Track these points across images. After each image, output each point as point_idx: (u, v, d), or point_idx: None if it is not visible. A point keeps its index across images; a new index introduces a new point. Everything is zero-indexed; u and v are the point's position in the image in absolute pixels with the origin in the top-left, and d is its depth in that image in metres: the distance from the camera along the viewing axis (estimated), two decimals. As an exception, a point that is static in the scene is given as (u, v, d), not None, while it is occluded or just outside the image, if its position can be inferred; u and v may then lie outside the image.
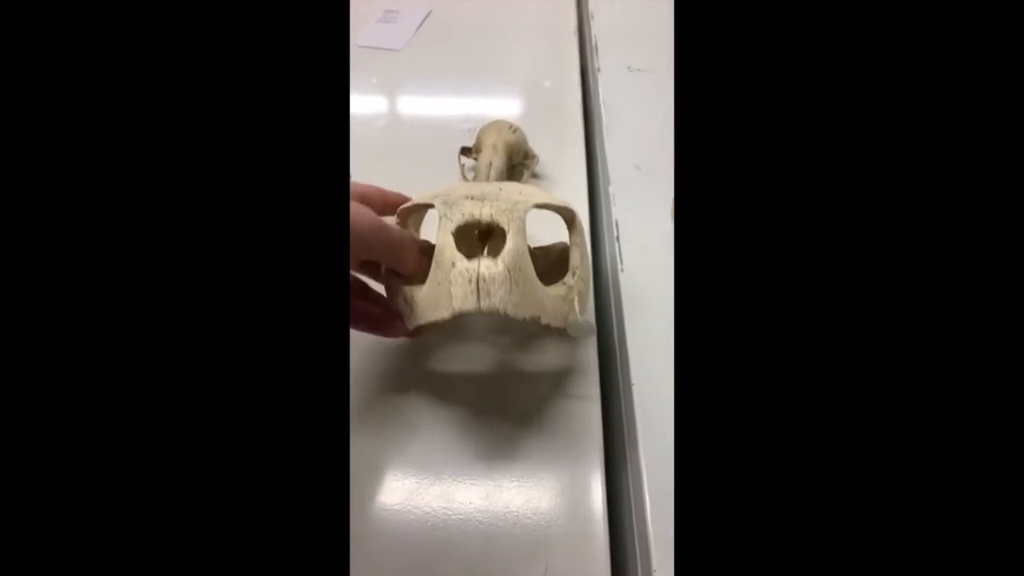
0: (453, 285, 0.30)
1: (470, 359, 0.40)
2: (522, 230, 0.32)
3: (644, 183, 0.48)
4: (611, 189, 0.48)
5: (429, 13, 0.69)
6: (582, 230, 0.37)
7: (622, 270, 0.42)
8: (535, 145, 0.52)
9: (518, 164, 0.51)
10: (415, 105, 0.61)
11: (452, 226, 0.32)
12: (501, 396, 0.38)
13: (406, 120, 0.59)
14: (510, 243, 0.31)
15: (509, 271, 0.30)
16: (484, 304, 0.30)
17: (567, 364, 0.40)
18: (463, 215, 0.32)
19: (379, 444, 0.36)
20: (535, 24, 0.68)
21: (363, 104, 0.60)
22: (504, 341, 0.41)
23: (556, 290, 0.33)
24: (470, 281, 0.30)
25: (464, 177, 0.51)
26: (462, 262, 0.31)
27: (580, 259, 0.35)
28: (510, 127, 0.51)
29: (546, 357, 0.40)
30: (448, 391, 0.38)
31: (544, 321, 0.32)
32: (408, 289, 0.34)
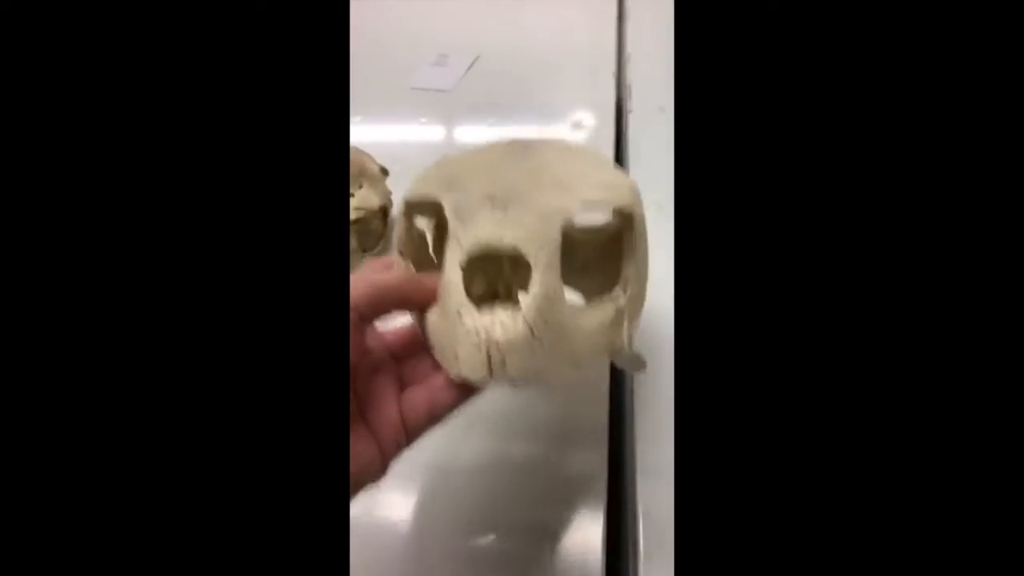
0: (460, 346, 0.24)
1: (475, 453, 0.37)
2: (554, 263, 0.24)
3: (664, 222, 0.51)
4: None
5: (477, 57, 0.74)
6: (642, 233, 0.28)
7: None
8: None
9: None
10: (462, 141, 0.66)
11: (462, 257, 0.24)
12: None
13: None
14: (536, 288, 0.23)
15: (533, 331, 0.23)
16: (498, 377, 0.23)
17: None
18: (477, 242, 0.24)
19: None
20: (576, 66, 0.72)
21: (413, 140, 0.66)
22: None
23: (599, 316, 0.26)
24: (479, 348, 0.23)
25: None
26: (471, 317, 0.23)
27: (634, 272, 0.28)
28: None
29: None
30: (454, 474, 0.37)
31: (579, 369, 0.25)
32: (421, 316, 0.27)
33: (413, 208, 0.29)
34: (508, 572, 0.33)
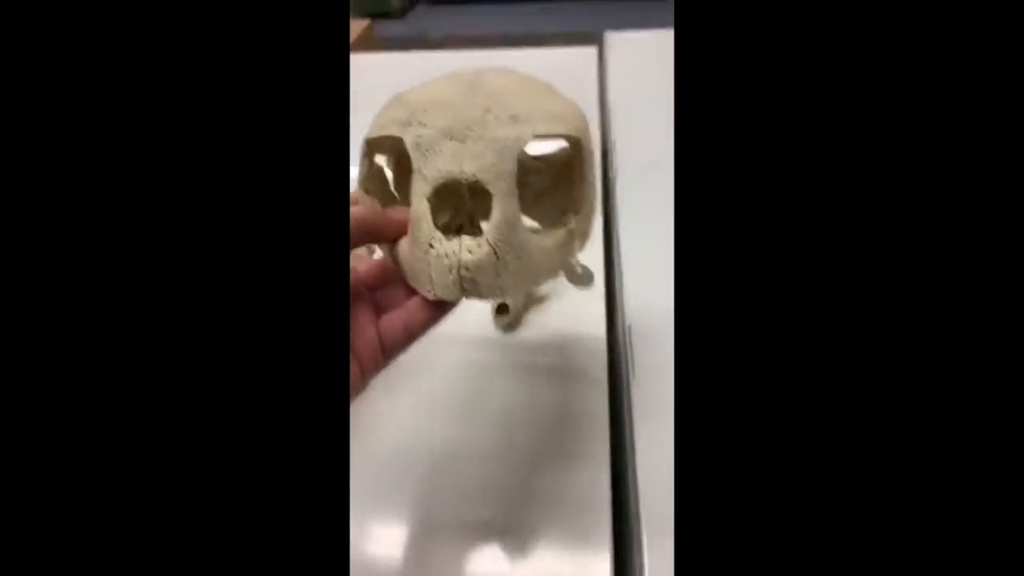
0: (432, 270, 0.26)
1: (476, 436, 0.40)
2: (511, 191, 0.26)
3: (651, 275, 0.48)
4: (625, 294, 0.47)
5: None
6: (589, 157, 0.30)
7: (634, 376, 0.41)
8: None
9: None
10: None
11: (428, 190, 0.26)
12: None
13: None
14: (496, 214, 0.26)
15: (496, 253, 0.26)
16: (470, 295, 0.26)
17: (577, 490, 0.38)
18: (439, 173, 0.26)
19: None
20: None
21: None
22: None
23: (554, 237, 0.29)
24: (450, 270, 0.26)
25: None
26: (440, 244, 0.26)
27: (584, 194, 0.30)
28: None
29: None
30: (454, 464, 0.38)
31: (538, 286, 0.30)
32: (391, 247, 0.29)
33: (373, 146, 0.31)
34: (512, 545, 0.34)
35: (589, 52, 0.72)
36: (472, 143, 0.26)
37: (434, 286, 0.26)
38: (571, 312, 0.47)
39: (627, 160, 0.61)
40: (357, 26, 1.75)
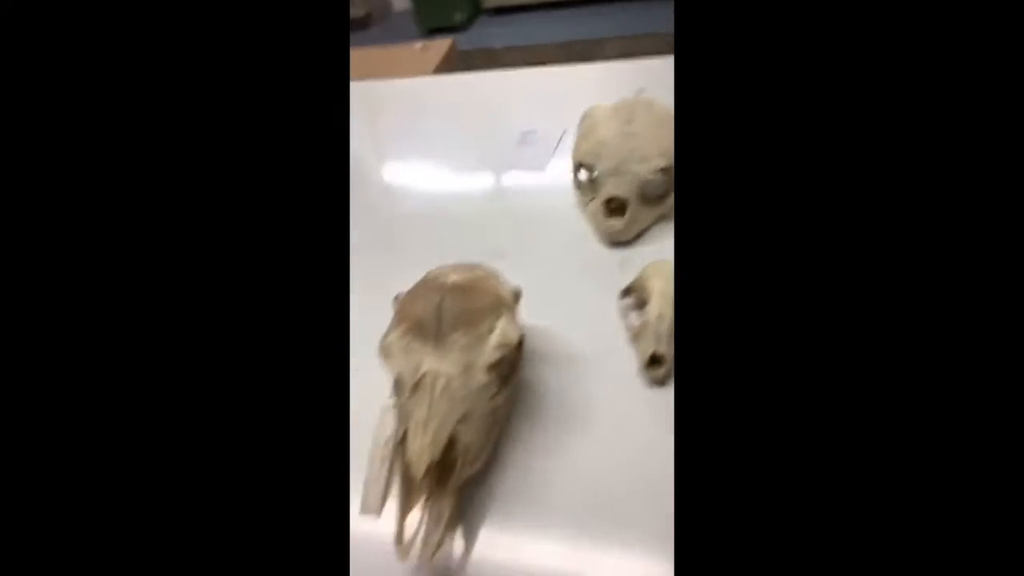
0: (599, 225, 0.59)
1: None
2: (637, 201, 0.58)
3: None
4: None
5: (564, 132, 0.74)
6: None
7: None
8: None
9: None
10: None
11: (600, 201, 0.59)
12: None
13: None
14: (628, 214, 0.57)
15: (629, 224, 0.57)
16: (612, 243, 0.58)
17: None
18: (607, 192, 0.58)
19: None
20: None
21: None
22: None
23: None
24: (608, 231, 0.58)
25: (627, 328, 0.49)
26: (603, 219, 0.58)
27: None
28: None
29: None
30: None
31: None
32: None
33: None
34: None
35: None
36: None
37: (596, 229, 0.59)
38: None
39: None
40: (442, 45, 1.81)
